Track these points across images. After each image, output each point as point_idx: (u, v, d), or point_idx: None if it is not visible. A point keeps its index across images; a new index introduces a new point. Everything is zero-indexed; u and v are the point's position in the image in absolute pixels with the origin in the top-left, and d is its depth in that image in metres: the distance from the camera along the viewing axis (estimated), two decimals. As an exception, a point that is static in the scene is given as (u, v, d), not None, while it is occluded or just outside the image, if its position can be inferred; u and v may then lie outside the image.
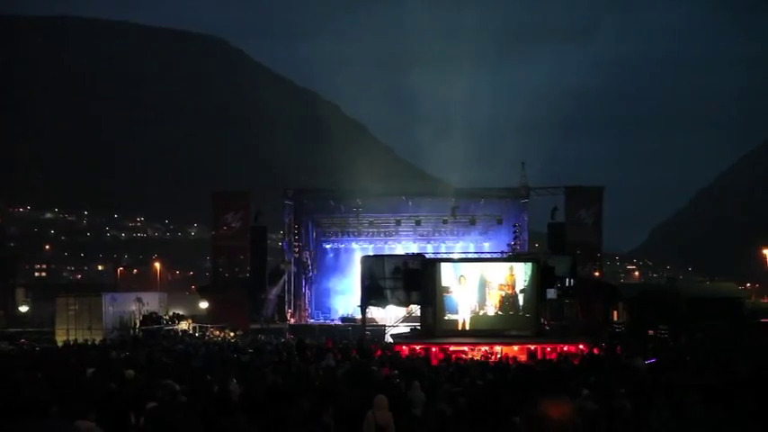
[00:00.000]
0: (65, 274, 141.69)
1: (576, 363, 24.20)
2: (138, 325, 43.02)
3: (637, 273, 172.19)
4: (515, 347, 31.20)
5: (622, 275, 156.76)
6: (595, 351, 28.98)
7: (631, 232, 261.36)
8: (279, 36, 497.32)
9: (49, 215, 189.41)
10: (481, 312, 35.35)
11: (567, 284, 37.64)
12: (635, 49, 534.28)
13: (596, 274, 51.68)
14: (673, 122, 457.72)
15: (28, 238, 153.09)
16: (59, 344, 34.88)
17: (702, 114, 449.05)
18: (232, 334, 43.36)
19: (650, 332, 39.45)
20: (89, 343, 32.31)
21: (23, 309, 61.32)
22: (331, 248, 53.68)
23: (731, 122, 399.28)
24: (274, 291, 50.21)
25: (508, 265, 37.01)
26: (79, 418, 9.53)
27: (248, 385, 15.67)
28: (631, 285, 72.74)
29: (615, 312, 47.65)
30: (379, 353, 28.11)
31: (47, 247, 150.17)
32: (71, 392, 13.56)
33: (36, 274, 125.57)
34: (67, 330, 40.41)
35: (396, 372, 19.43)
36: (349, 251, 52.64)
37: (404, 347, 31.29)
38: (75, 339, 35.14)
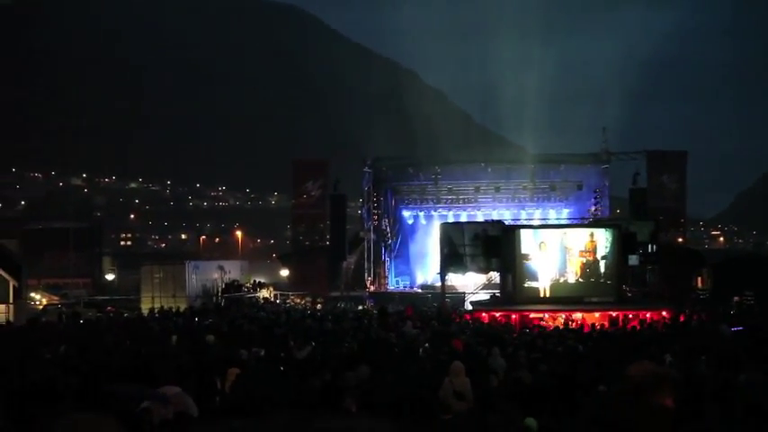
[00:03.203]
0: (149, 243, 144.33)
1: (659, 329, 23.92)
2: (220, 293, 43.66)
3: (722, 238, 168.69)
4: (597, 314, 30.97)
5: (707, 241, 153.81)
6: (680, 318, 28.58)
7: (716, 197, 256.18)
8: (355, 4, 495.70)
9: (133, 185, 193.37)
10: (562, 279, 35.10)
11: (649, 251, 37.12)
12: (713, 17, 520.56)
13: (680, 239, 50.84)
14: (755, 89, 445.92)
15: (113, 208, 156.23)
16: (145, 311, 35.57)
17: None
18: (312, 301, 43.79)
19: (736, 298, 38.73)
20: (173, 310, 32.89)
21: (110, 277, 62.68)
22: (410, 216, 53.58)
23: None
24: (354, 258, 50.54)
25: (589, 231, 36.64)
26: (166, 383, 9.72)
27: (327, 352, 15.84)
28: (716, 251, 71.41)
29: (699, 279, 46.76)
30: (457, 320, 28.17)
31: (131, 216, 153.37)
32: (158, 359, 13.89)
33: (121, 243, 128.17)
34: (152, 298, 41.17)
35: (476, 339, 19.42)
36: (428, 218, 52.49)
37: (484, 314, 31.27)
38: (161, 307, 35.78)
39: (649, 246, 37.01)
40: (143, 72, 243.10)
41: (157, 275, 42.98)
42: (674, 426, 3.75)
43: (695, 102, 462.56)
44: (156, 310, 34.00)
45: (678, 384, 3.98)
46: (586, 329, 24.54)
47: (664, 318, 29.29)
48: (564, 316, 30.40)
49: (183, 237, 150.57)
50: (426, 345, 18.23)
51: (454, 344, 18.91)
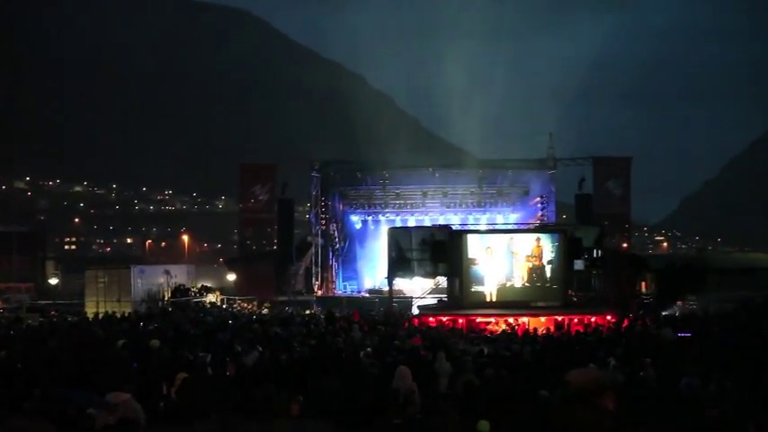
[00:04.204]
0: (94, 247, 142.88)
1: (603, 334, 24.19)
2: (166, 297, 43.31)
3: (665, 244, 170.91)
4: (542, 319, 31.19)
5: (651, 246, 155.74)
6: (624, 322, 28.92)
7: (660, 203, 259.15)
8: (302, 7, 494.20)
9: (77, 188, 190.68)
10: (508, 284, 35.36)
11: (594, 255, 37.54)
12: (665, 18, 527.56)
13: (624, 245, 51.50)
14: (702, 93, 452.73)
15: (57, 212, 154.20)
16: (89, 316, 35.15)
17: (732, 85, 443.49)
18: (259, 306, 43.60)
19: (679, 303, 39.30)
20: (118, 315, 32.52)
21: (53, 281, 61.94)
22: (358, 220, 53.63)
23: (762, 93, 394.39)
24: (302, 263, 50.46)
25: (535, 236, 36.90)
26: (114, 389, 9.62)
27: (275, 356, 15.80)
28: (660, 256, 72.30)
29: (643, 283, 47.36)
30: (405, 324, 28.22)
31: (76, 220, 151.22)
32: (104, 365, 13.74)
33: (65, 247, 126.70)
34: (97, 303, 40.75)
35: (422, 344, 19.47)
36: (376, 223, 52.61)
37: (430, 319, 31.35)
38: (106, 312, 35.38)
39: (594, 251, 37.41)
40: (87, 74, 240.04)
41: (102, 280, 42.53)
42: (616, 427, 3.80)
43: (640, 106, 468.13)
44: (100, 315, 33.59)
45: (620, 388, 4.04)
46: (532, 333, 24.71)
47: (608, 322, 29.60)
48: (510, 321, 30.59)
49: (129, 241, 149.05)
50: (370, 350, 18.21)
51: (413, 341, 19.05)
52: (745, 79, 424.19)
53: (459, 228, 42.06)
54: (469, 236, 36.75)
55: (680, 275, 42.57)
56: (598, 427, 3.74)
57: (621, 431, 3.95)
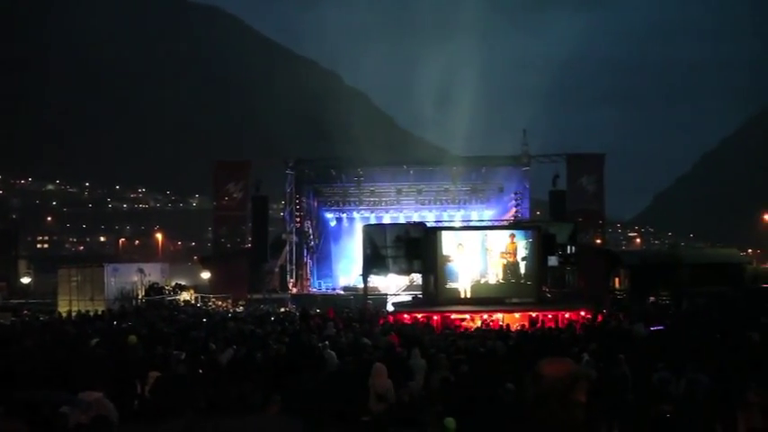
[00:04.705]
0: (67, 245, 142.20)
1: (577, 329, 24.29)
2: (140, 296, 43.09)
3: (639, 240, 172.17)
4: (517, 315, 31.31)
5: (624, 243, 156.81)
6: (598, 318, 29.06)
7: (633, 200, 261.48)
8: (277, 4, 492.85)
9: (50, 187, 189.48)
10: (483, 280, 35.42)
11: (568, 252, 37.66)
12: (639, 18, 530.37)
13: (598, 241, 51.72)
14: (676, 92, 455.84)
15: (30, 210, 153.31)
16: (62, 315, 34.90)
17: (705, 83, 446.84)
18: (234, 303, 43.49)
19: (652, 299, 39.53)
20: (91, 314, 32.31)
21: (25, 280, 61.45)
22: (332, 218, 53.65)
23: (733, 92, 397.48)
24: (276, 261, 50.34)
25: (509, 232, 36.94)
26: (86, 389, 9.57)
27: (250, 354, 15.76)
28: (633, 252, 72.59)
29: (617, 279, 47.60)
30: (381, 321, 28.23)
31: (49, 219, 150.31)
32: (76, 364, 13.65)
33: (38, 245, 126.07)
34: (70, 301, 40.48)
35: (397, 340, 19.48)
36: (350, 221, 52.64)
37: (405, 316, 31.37)
38: (79, 310, 35.15)
39: (568, 247, 37.53)
40: (59, 72, 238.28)
41: (75, 278, 42.25)
42: (588, 420, 3.82)
43: (613, 104, 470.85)
44: (73, 314, 33.37)
45: (592, 381, 4.05)
46: (506, 330, 24.78)
47: (582, 318, 29.73)
48: (485, 317, 30.64)
49: (102, 239, 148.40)
50: (347, 347, 18.20)
51: (390, 338, 19.06)
52: (716, 78, 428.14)
53: (433, 225, 42.06)
54: (444, 233, 36.77)
55: (653, 271, 42.84)
56: (571, 421, 3.76)
57: (593, 424, 3.97)
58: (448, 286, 35.43)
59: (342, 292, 48.14)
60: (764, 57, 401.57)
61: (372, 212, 52.23)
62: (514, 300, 34.30)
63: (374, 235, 38.27)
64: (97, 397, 9.17)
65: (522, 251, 35.49)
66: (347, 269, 50.38)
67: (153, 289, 44.05)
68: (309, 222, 51.92)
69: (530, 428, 3.88)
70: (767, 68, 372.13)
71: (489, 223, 46.62)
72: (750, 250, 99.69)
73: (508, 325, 27.27)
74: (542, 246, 35.74)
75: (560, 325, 26.44)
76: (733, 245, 74.17)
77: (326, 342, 17.45)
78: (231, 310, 39.68)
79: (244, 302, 43.88)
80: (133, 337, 17.68)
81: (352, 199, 52.22)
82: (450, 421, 9.29)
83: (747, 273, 46.60)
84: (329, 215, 53.58)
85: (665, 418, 10.32)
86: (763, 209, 77.28)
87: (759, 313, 24.59)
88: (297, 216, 50.60)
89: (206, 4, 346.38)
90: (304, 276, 51.05)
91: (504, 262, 35.42)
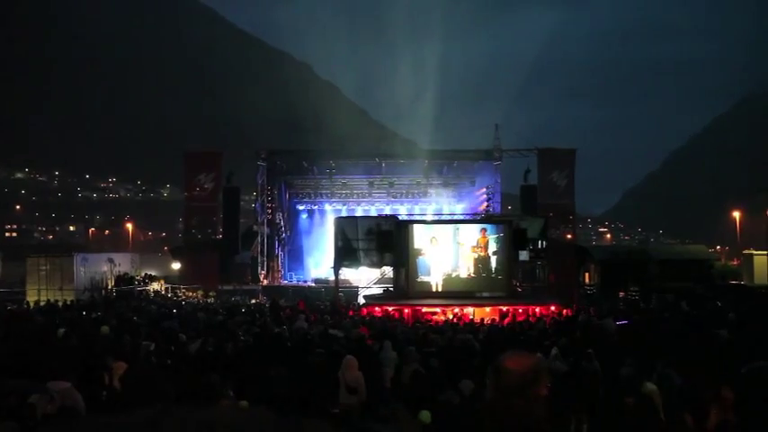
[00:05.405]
0: (36, 234, 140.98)
1: (547, 323, 24.40)
2: (109, 286, 42.85)
3: (609, 235, 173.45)
4: (488, 309, 31.38)
5: (594, 238, 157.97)
6: (567, 312, 29.23)
7: (604, 195, 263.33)
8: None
9: (19, 175, 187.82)
10: (454, 274, 35.51)
11: (539, 246, 37.92)
12: (609, 17, 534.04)
13: (569, 236, 51.93)
14: (645, 89, 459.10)
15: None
16: (30, 304, 34.60)
17: (674, 82, 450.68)
18: (204, 295, 43.34)
19: (621, 294, 39.81)
20: (60, 304, 32.07)
21: (-7, 269, 60.86)
22: (304, 210, 53.58)
23: (703, 91, 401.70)
24: (248, 252, 50.21)
25: (481, 226, 37.06)
26: (53, 379, 9.49)
27: (219, 345, 15.70)
28: (603, 248, 73.05)
29: (587, 274, 47.91)
30: (351, 313, 28.24)
31: (17, 207, 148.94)
32: (44, 353, 13.53)
33: (7, 234, 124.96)
34: (38, 291, 40.12)
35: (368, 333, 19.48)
36: (322, 213, 52.62)
37: (376, 309, 31.39)
38: (48, 300, 34.88)
39: (539, 242, 37.80)
40: (32, 60, 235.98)
41: (44, 267, 41.84)
42: (557, 414, 3.84)
43: (584, 101, 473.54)
44: (41, 303, 33.12)
45: (555, 376, 4.06)
46: (477, 324, 24.86)
47: (552, 312, 29.87)
48: (456, 311, 30.71)
49: (72, 229, 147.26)
50: (317, 339, 18.17)
51: (360, 330, 19.05)
52: (685, 77, 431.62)
53: (405, 218, 42.09)
54: (415, 226, 36.80)
55: (623, 266, 43.14)
56: (532, 415, 3.77)
57: (563, 419, 3.99)
58: (419, 279, 35.51)
59: (313, 285, 48.05)
60: (733, 56, 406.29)
61: (344, 205, 52.25)
62: (485, 294, 34.43)
63: (346, 227, 38.26)
64: (65, 387, 9.09)
65: (494, 245, 35.62)
66: (318, 261, 50.33)
67: (123, 279, 43.86)
68: (281, 214, 51.78)
69: (491, 423, 3.89)
70: (736, 67, 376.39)
71: (461, 217, 46.72)
72: (718, 247, 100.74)
73: (481, 319, 27.39)
74: (513, 240, 35.89)
75: (531, 319, 26.53)
76: (701, 242, 74.76)
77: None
78: (202, 301, 39.55)
79: (214, 293, 43.73)
80: (105, 328, 17.59)
81: (324, 191, 52.21)
82: (425, 414, 9.29)
83: (716, 269, 47.12)
84: (301, 207, 53.51)
85: (634, 412, 10.39)
86: (731, 206, 78.03)
87: (727, 310, 24.81)
88: (268, 208, 50.42)
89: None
90: (275, 268, 50.93)
91: (476, 256, 35.53)
